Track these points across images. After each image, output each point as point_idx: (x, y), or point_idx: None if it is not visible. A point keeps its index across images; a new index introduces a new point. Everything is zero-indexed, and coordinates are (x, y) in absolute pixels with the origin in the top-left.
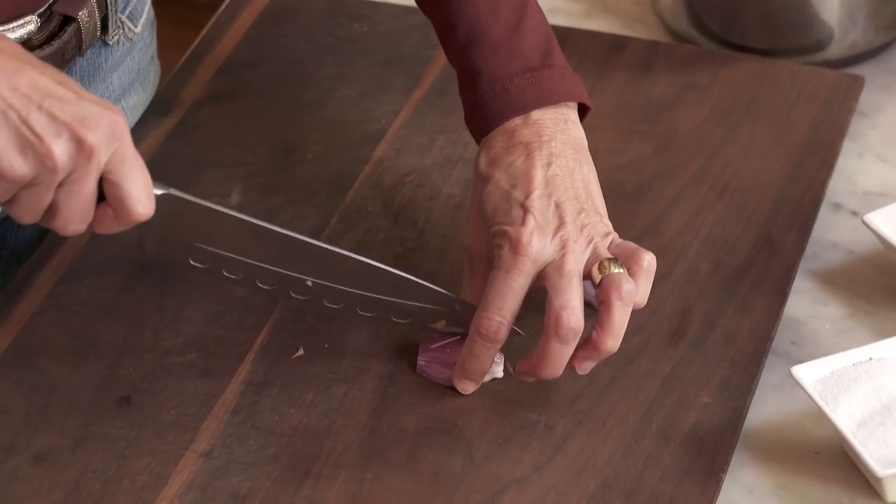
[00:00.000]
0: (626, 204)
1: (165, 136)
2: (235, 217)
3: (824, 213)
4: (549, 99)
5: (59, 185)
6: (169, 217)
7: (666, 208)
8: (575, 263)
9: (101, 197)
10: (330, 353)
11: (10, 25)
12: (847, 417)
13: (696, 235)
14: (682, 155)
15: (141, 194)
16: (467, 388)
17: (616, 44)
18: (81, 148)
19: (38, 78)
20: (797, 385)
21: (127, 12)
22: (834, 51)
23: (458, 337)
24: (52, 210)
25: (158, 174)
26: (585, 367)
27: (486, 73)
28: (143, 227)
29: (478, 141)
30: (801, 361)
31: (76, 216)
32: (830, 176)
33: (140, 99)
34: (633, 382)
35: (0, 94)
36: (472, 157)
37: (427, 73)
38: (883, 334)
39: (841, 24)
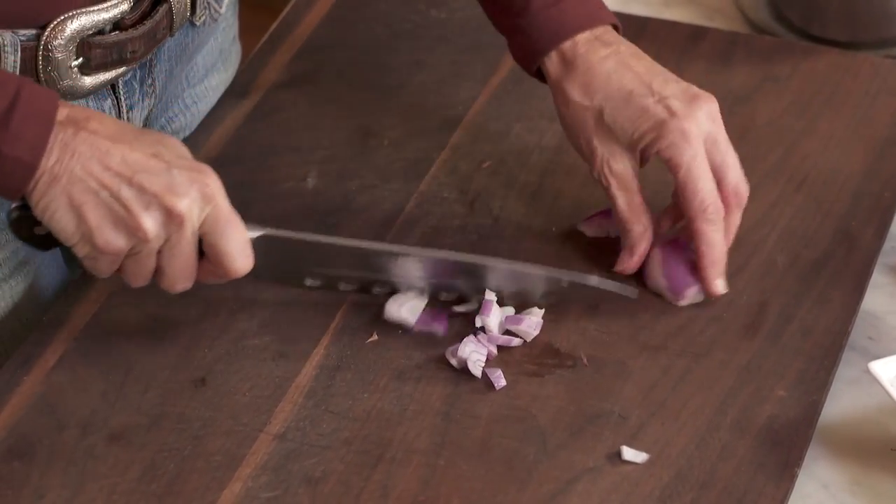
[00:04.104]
0: None
1: (243, 119)
2: (336, 243)
3: None
4: (598, 20)
5: (160, 251)
6: (272, 254)
7: None
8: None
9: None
10: (403, 338)
11: (105, 5)
12: None
13: (774, 228)
14: (760, 147)
15: (237, 252)
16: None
17: (695, 34)
18: (171, 216)
19: (130, 154)
20: (874, 380)
21: None
22: None
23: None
24: (158, 273)
25: (235, 157)
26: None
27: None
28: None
29: (531, 64)
30: (878, 357)
31: (180, 276)
32: None
33: (221, 79)
34: (709, 374)
35: (93, 176)
36: (548, 145)
37: (504, 60)
38: None
39: None
